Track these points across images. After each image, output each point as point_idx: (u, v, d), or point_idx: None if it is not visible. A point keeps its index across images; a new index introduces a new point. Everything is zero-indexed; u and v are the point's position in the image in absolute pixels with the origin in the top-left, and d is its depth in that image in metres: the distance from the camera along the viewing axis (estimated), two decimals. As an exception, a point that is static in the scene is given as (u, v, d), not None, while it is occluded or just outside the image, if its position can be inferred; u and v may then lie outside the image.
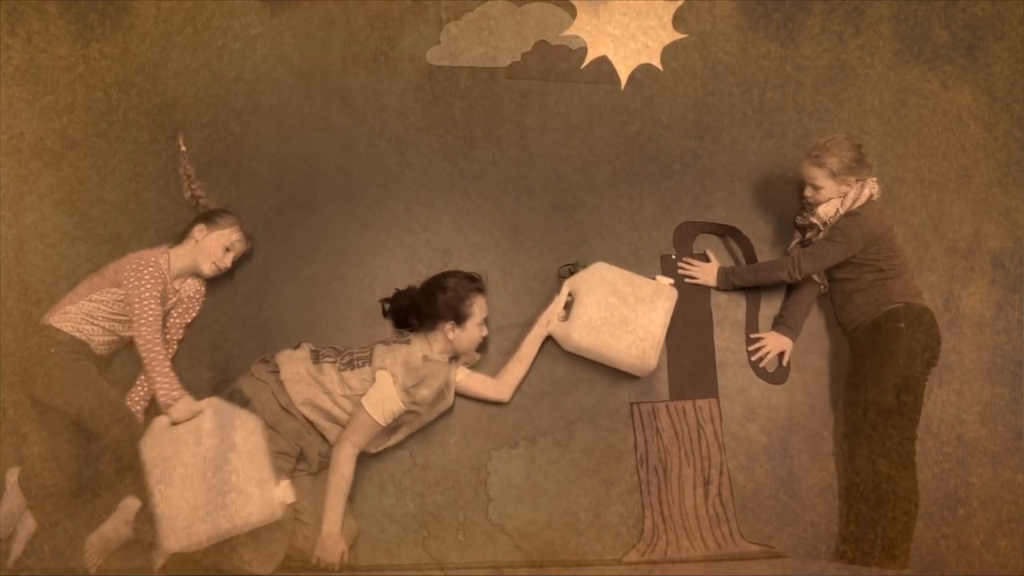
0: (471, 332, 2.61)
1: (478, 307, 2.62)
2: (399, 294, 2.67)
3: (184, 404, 2.39)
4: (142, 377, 2.64)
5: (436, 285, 2.62)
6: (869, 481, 2.63)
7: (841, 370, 2.83)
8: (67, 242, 2.75)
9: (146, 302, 2.46)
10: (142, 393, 2.64)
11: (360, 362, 2.54)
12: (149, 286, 2.48)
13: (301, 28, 2.95)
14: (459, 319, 2.58)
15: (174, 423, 2.38)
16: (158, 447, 2.32)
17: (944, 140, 3.05)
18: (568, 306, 2.71)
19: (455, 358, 2.67)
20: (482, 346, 2.73)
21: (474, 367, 2.74)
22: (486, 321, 2.67)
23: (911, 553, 2.67)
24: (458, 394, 2.71)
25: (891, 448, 2.61)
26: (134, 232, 2.76)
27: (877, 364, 2.64)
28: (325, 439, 2.53)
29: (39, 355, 2.47)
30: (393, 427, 2.54)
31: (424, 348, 2.55)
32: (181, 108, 2.86)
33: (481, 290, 2.65)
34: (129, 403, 2.61)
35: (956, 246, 2.99)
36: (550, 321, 2.72)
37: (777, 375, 2.86)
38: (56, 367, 2.45)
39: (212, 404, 2.39)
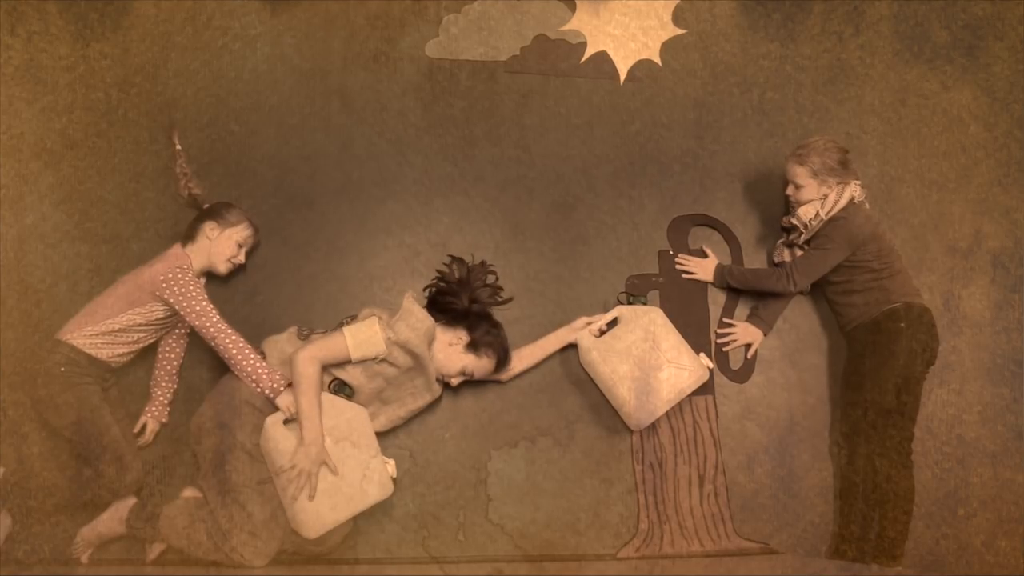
0: (457, 361, 2.55)
1: (483, 362, 2.57)
2: (456, 296, 2.59)
3: (288, 396, 2.39)
4: (156, 391, 2.65)
5: (495, 320, 2.61)
6: (869, 481, 2.63)
7: (839, 368, 2.84)
8: (67, 242, 2.75)
9: (204, 307, 2.44)
10: (161, 404, 2.64)
11: (348, 320, 2.53)
12: (196, 291, 2.46)
13: (301, 28, 2.95)
14: (472, 346, 2.55)
15: (286, 420, 2.37)
16: (277, 445, 2.35)
17: (944, 140, 3.05)
18: (608, 326, 2.72)
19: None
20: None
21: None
22: (467, 379, 2.60)
23: (911, 552, 2.68)
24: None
25: (891, 448, 2.61)
26: (134, 232, 2.76)
27: (877, 364, 2.64)
28: None
29: (47, 371, 2.45)
30: (379, 400, 2.51)
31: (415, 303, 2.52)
32: (181, 108, 2.86)
33: (499, 364, 2.61)
34: (151, 418, 2.62)
35: (956, 246, 2.99)
36: (583, 329, 2.73)
37: (740, 373, 2.86)
38: (58, 385, 2.44)
39: (324, 399, 2.42)
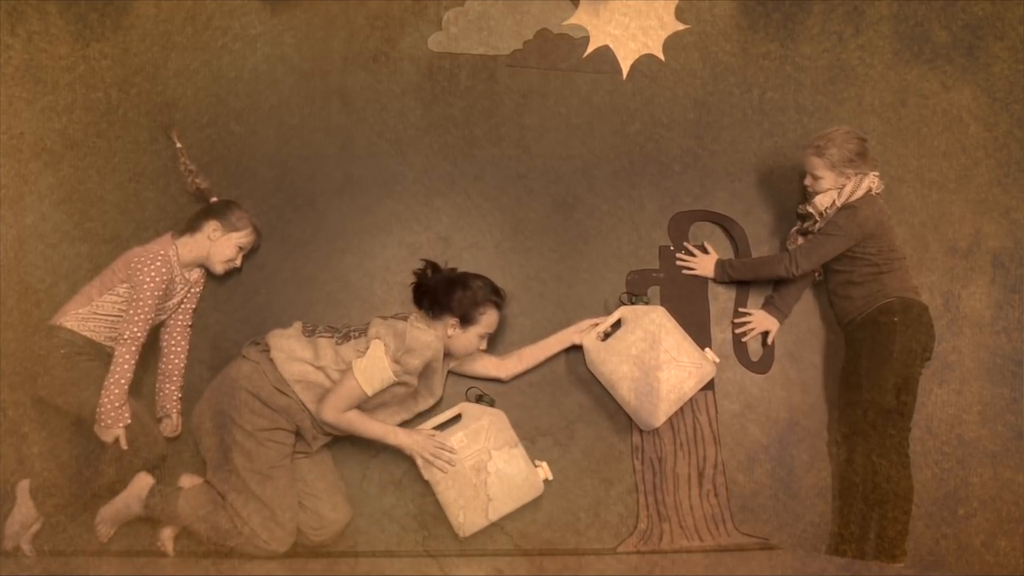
0: (470, 338, 2.58)
1: (488, 319, 2.59)
2: (425, 276, 2.63)
3: (115, 433, 2.41)
4: (168, 386, 2.64)
5: (460, 280, 2.59)
6: (869, 480, 2.63)
7: (837, 366, 2.84)
8: (67, 242, 2.75)
9: (144, 304, 2.45)
10: (167, 392, 2.63)
11: (356, 334, 2.54)
12: (153, 284, 2.46)
13: (301, 28, 2.95)
14: (465, 320, 2.56)
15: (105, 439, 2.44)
16: (426, 470, 2.58)
17: (944, 140, 3.05)
18: (613, 328, 2.73)
19: (446, 355, 2.65)
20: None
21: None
22: (489, 339, 2.64)
23: (911, 552, 2.68)
24: (458, 374, 2.73)
25: (891, 448, 2.62)
26: (134, 232, 2.76)
27: (876, 364, 2.64)
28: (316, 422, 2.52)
29: (46, 356, 2.46)
30: (377, 403, 2.53)
31: (421, 325, 2.53)
32: (181, 108, 2.86)
33: (498, 306, 2.62)
34: (160, 411, 2.62)
35: (956, 246, 2.99)
36: (587, 333, 2.74)
37: (760, 364, 2.86)
38: (61, 367, 2.45)
39: (463, 407, 2.64)
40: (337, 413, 2.45)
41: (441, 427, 2.63)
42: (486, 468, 2.55)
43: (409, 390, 2.54)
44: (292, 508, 2.47)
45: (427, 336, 2.48)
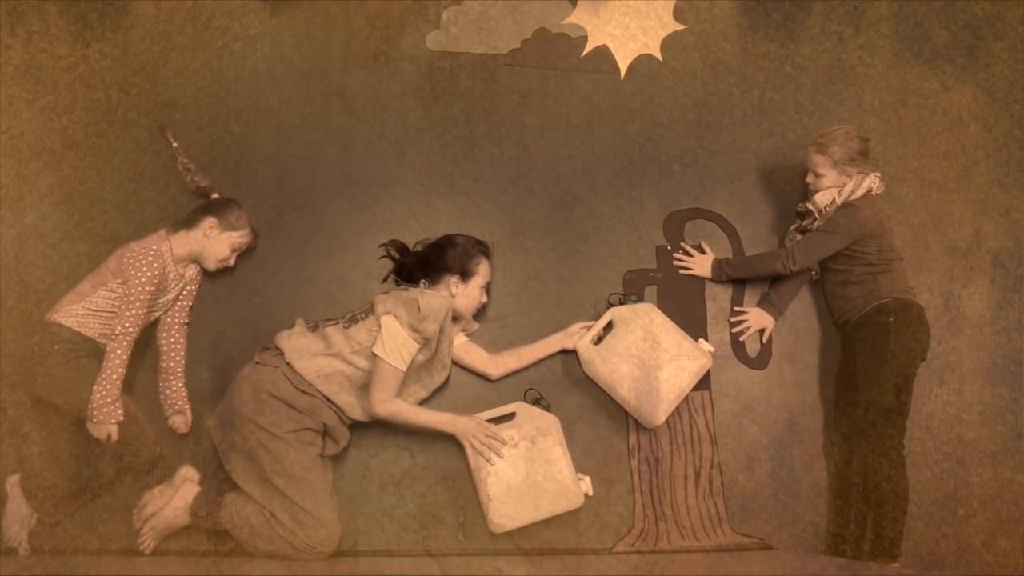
0: (473, 292, 2.65)
1: (483, 268, 2.67)
2: (406, 252, 2.70)
3: (107, 430, 2.39)
4: (174, 382, 2.63)
5: (446, 240, 2.67)
6: (869, 480, 2.63)
7: (834, 366, 2.84)
8: (67, 242, 2.76)
9: (137, 299, 2.45)
10: (175, 388, 2.62)
11: (363, 315, 2.55)
12: (145, 279, 2.46)
13: (301, 28, 2.95)
14: (464, 275, 2.62)
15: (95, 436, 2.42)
16: (473, 461, 2.58)
17: (944, 140, 3.05)
18: (605, 331, 2.74)
19: (454, 320, 2.67)
20: (480, 315, 2.77)
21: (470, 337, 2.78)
22: (488, 289, 2.71)
23: (911, 552, 2.69)
24: (454, 364, 2.74)
25: (890, 448, 2.62)
26: (134, 232, 2.76)
27: (875, 364, 2.64)
28: (344, 416, 2.52)
29: (41, 353, 2.46)
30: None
31: (428, 290, 2.56)
32: (181, 108, 2.86)
33: (487, 255, 2.70)
34: (171, 408, 2.62)
35: (956, 246, 2.99)
36: (581, 337, 2.75)
37: (758, 360, 2.86)
38: (57, 365, 2.45)
39: (519, 407, 2.65)
40: (386, 403, 2.47)
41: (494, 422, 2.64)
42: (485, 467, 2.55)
43: (427, 359, 2.56)
44: (331, 507, 2.47)
45: (437, 299, 2.51)
